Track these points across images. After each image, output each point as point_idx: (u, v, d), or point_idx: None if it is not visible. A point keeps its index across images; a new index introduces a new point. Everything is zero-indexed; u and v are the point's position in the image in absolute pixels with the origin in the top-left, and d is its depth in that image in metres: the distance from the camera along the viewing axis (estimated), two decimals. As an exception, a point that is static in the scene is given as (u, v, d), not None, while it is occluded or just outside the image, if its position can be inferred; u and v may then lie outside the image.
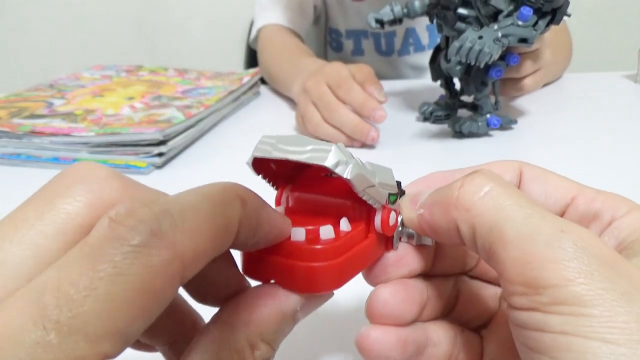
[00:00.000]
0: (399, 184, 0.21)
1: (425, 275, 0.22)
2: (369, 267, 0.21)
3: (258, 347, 0.17)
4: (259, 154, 0.18)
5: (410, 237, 0.21)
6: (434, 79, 0.62)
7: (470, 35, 0.49)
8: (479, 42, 0.48)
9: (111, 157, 0.53)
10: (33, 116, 0.59)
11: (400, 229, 0.20)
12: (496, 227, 0.17)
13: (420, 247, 0.21)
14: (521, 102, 0.68)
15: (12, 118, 0.58)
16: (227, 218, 0.15)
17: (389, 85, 0.62)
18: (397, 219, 0.20)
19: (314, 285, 0.18)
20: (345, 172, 0.17)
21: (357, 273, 0.19)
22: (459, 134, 0.57)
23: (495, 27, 0.49)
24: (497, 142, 0.56)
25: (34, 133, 0.54)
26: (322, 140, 0.18)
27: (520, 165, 0.22)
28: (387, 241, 0.20)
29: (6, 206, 0.16)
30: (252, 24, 0.96)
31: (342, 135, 0.56)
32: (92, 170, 0.16)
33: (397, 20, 0.59)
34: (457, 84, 0.61)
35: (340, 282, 0.18)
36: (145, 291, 0.13)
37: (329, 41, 1.01)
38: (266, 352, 0.17)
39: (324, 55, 1.04)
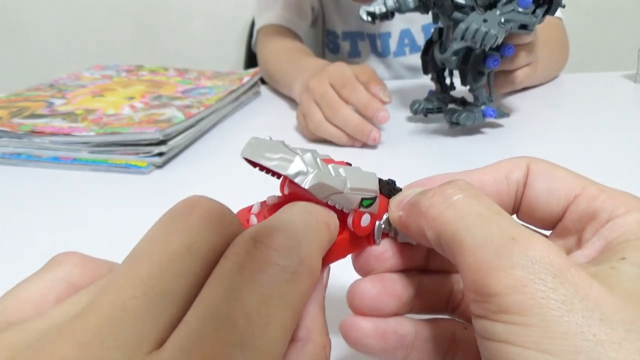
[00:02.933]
0: (393, 182, 0.22)
1: (421, 270, 0.23)
2: (356, 260, 0.22)
3: (325, 342, 0.18)
4: (243, 154, 0.20)
5: (396, 234, 0.22)
6: (425, 72, 0.62)
7: (475, 18, 0.49)
8: (485, 25, 0.48)
9: (111, 157, 0.53)
10: (33, 116, 0.59)
11: (383, 226, 0.22)
12: (456, 235, 0.17)
13: (407, 243, 0.22)
14: (520, 102, 0.68)
15: (13, 118, 0.58)
16: (325, 244, 0.18)
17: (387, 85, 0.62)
18: (372, 220, 0.21)
19: None
20: (304, 182, 0.18)
21: (329, 263, 0.21)
22: (455, 125, 0.57)
23: (498, 12, 0.50)
24: (495, 141, 0.56)
25: (35, 133, 0.54)
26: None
27: (529, 161, 0.22)
28: (369, 236, 0.22)
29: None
30: (252, 26, 0.96)
31: (343, 134, 0.56)
32: (209, 206, 0.17)
33: (388, 14, 0.58)
34: (448, 79, 0.61)
35: None
36: (297, 314, 0.15)
37: (326, 43, 1.01)
38: (329, 341, 0.19)
39: (321, 57, 1.03)
